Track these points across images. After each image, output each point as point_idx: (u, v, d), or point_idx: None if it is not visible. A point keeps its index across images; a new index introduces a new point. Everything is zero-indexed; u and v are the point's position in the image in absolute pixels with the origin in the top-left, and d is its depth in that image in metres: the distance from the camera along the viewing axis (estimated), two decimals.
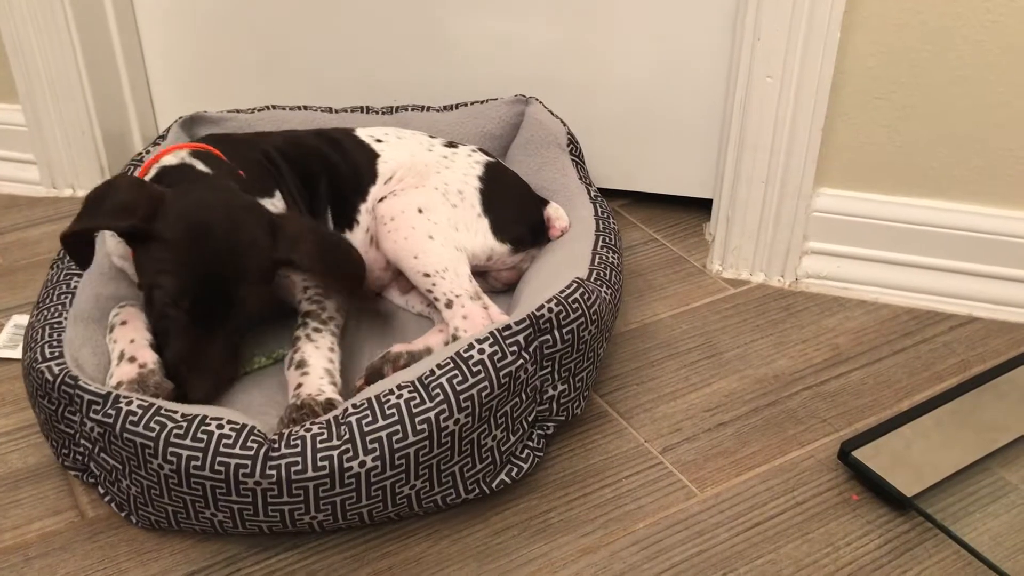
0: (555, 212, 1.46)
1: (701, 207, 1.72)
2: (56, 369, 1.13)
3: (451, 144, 1.49)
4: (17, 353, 1.39)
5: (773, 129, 1.47)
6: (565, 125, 1.59)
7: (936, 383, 1.37)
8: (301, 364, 1.22)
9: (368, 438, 1.05)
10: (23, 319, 1.44)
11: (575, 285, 1.21)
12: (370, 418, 1.06)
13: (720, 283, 1.59)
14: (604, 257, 1.34)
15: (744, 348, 1.44)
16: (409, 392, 1.08)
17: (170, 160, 1.26)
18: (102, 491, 1.14)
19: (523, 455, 1.18)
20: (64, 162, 1.76)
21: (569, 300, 1.18)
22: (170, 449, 1.04)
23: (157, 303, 1.17)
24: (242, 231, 1.17)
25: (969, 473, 1.21)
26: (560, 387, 1.20)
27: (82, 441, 1.12)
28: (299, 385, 1.20)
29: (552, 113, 1.60)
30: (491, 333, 1.13)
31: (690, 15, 1.57)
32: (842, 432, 1.29)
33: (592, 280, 1.27)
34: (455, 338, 1.28)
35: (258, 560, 1.11)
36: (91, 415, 1.08)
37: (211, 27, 1.75)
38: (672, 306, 1.53)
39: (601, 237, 1.38)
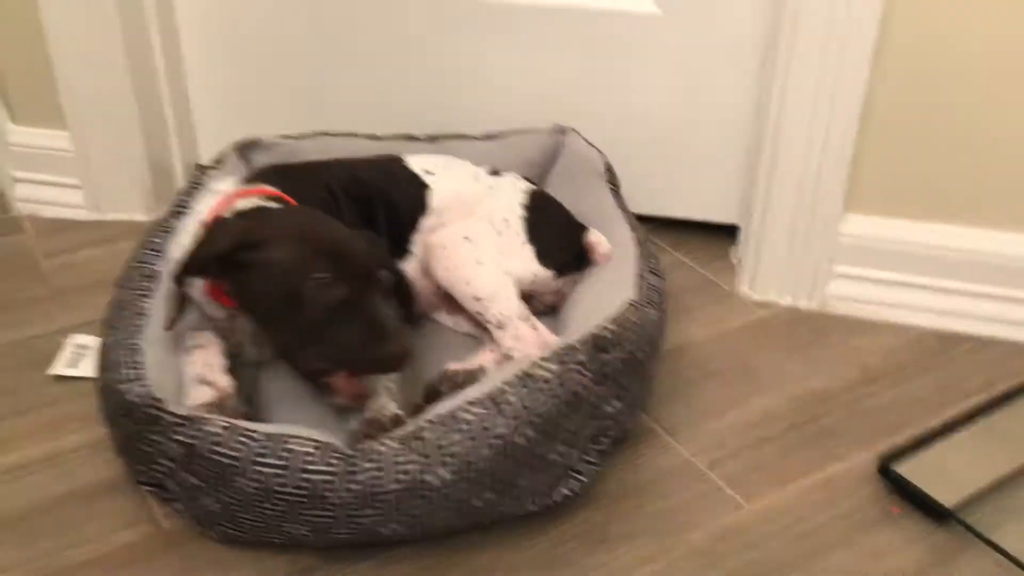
0: (597, 238, 1.51)
1: (722, 231, 1.79)
2: (138, 390, 1.16)
3: (495, 172, 1.54)
4: (79, 371, 1.42)
5: (804, 158, 1.54)
6: (602, 155, 1.65)
7: (964, 400, 1.44)
8: None
9: (443, 452, 1.11)
10: (84, 339, 1.48)
11: (631, 307, 1.27)
12: (446, 433, 1.12)
13: (750, 306, 1.65)
14: (649, 280, 1.39)
15: (777, 368, 1.50)
16: (482, 408, 1.13)
17: (244, 205, 1.29)
18: (180, 508, 1.18)
19: (582, 469, 1.23)
20: (109, 186, 1.81)
21: (626, 321, 1.24)
22: (254, 468, 1.09)
23: (312, 296, 1.16)
24: (343, 229, 1.24)
25: (1004, 485, 1.27)
26: (616, 404, 1.25)
27: (161, 460, 1.16)
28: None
29: (589, 143, 1.66)
30: (555, 352, 1.19)
31: (720, 48, 1.64)
32: (877, 447, 1.35)
33: (644, 303, 1.33)
34: (508, 357, 1.34)
35: (333, 571, 1.16)
36: (174, 436, 1.13)
37: (254, 56, 1.81)
38: (704, 328, 1.59)
39: (644, 261, 1.44)
